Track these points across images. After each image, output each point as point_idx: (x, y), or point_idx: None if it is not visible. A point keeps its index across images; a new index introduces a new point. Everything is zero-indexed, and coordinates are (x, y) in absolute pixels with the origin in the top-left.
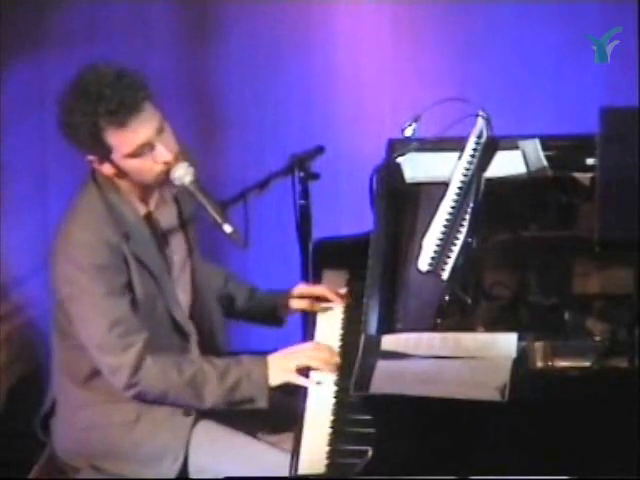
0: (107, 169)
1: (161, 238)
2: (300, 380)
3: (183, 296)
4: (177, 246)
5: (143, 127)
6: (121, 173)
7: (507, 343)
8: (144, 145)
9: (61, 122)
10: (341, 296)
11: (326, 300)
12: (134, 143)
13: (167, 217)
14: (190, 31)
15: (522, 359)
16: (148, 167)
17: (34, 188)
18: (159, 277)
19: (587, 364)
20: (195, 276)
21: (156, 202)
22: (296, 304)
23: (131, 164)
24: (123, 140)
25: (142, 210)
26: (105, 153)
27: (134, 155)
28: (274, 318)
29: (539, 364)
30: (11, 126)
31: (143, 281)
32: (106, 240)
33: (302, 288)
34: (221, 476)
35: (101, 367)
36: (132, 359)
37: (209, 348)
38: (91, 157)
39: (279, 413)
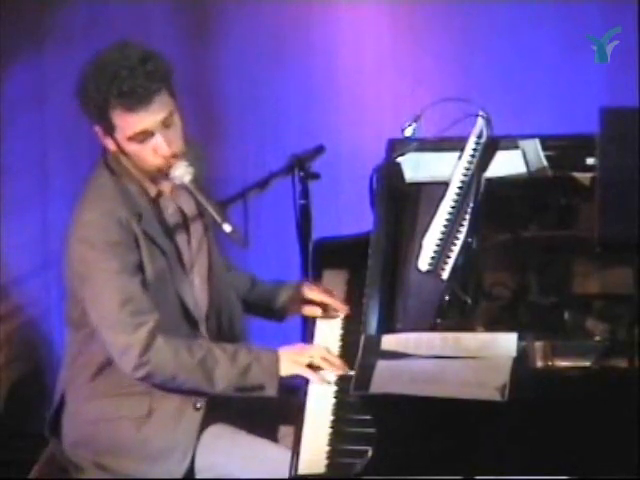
0: (110, 144)
1: (174, 220)
2: (311, 375)
3: (200, 284)
4: (193, 231)
5: (149, 116)
6: (122, 152)
7: (507, 343)
8: (144, 132)
9: (77, 90)
10: (343, 307)
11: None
12: (135, 128)
13: (184, 201)
14: (190, 30)
15: (522, 359)
16: (146, 155)
17: (34, 188)
18: (170, 258)
19: (587, 364)
20: (212, 263)
21: (170, 185)
22: (299, 309)
23: (132, 147)
24: (127, 123)
25: (152, 190)
26: (109, 129)
27: (135, 139)
28: (274, 312)
29: (539, 364)
30: (11, 126)
31: (154, 261)
32: (117, 217)
33: (307, 291)
34: (227, 475)
35: (110, 349)
36: (143, 337)
37: (228, 334)
38: (97, 128)
39: (283, 410)
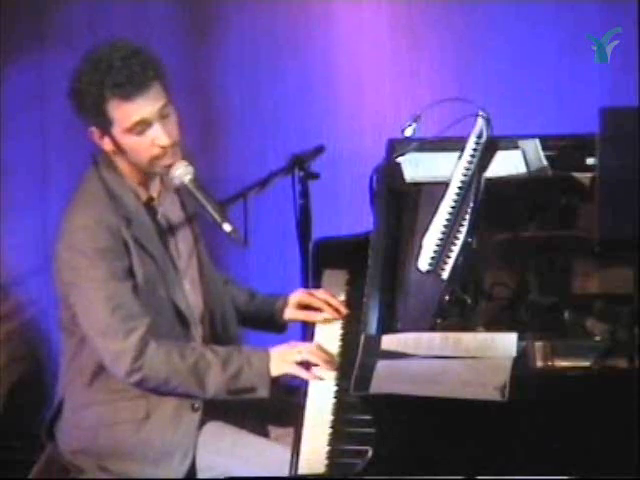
0: (107, 144)
1: (164, 225)
2: (301, 372)
3: (192, 289)
4: (182, 236)
5: (146, 104)
6: (119, 150)
7: (507, 343)
8: (142, 121)
9: (69, 90)
10: (339, 311)
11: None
12: (133, 118)
13: (170, 206)
14: (190, 30)
15: (522, 359)
16: (144, 148)
17: (34, 188)
18: (160, 262)
19: (587, 364)
20: (203, 268)
21: (158, 190)
22: (294, 315)
23: (129, 141)
24: (124, 113)
25: (143, 195)
26: (106, 126)
27: (132, 131)
28: (274, 324)
29: (539, 364)
30: (11, 126)
31: (144, 266)
32: (106, 224)
33: (301, 297)
34: (227, 474)
35: (103, 356)
36: (135, 344)
37: (222, 337)
38: (93, 129)
39: (282, 410)
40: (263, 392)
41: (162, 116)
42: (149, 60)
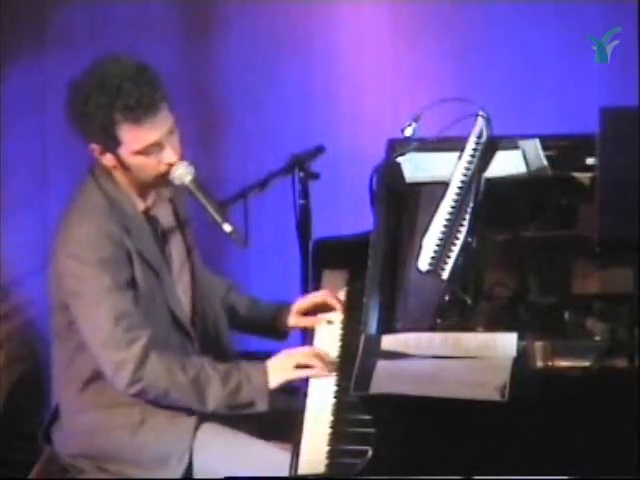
0: (109, 160)
1: (160, 234)
2: (300, 373)
3: (184, 296)
4: (175, 245)
5: (157, 127)
6: (122, 167)
7: (507, 343)
8: (154, 144)
9: (73, 110)
10: (341, 302)
11: (327, 306)
12: (145, 141)
13: (164, 215)
14: (190, 31)
15: (522, 359)
16: (152, 166)
17: (34, 188)
18: (160, 272)
19: (587, 364)
20: (195, 276)
21: (154, 199)
22: (297, 321)
23: (136, 161)
24: (135, 137)
25: (141, 205)
26: (113, 146)
27: (142, 153)
28: (276, 331)
29: (539, 364)
30: (11, 126)
31: (144, 276)
32: (108, 234)
33: (302, 303)
34: (226, 475)
35: (103, 365)
36: (137, 354)
37: (215, 349)
38: (94, 146)
39: (280, 412)
40: (262, 406)
41: (169, 134)
42: (155, 78)
